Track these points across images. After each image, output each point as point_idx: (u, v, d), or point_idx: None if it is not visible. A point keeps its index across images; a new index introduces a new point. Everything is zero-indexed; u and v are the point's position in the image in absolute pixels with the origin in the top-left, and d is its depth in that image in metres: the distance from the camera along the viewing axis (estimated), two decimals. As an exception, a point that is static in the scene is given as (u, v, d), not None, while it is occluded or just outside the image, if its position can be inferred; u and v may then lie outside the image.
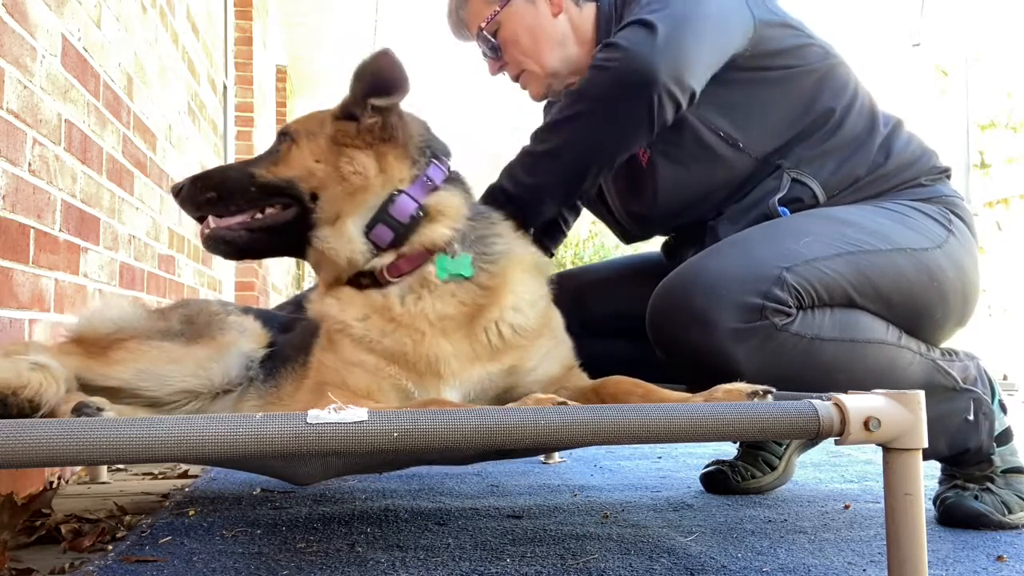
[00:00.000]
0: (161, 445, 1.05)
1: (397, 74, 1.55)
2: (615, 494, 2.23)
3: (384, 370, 1.52)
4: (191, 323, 1.78)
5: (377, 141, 1.57)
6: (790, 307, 1.62)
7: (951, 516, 1.78)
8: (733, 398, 1.29)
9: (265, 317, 1.91)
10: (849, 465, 2.68)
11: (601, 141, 1.74)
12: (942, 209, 1.85)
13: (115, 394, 1.66)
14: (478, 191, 1.81)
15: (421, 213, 1.55)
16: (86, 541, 1.63)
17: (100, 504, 2.02)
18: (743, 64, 1.82)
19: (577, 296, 2.11)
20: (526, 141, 1.85)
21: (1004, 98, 18.18)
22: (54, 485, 2.03)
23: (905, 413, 1.16)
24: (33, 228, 2.05)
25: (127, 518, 1.87)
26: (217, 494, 2.24)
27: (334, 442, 1.07)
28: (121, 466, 2.62)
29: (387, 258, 1.54)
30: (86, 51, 2.47)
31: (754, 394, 1.28)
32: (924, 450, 1.16)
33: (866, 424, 1.15)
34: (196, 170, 4.27)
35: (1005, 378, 6.43)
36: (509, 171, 1.82)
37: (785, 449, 2.28)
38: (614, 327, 2.04)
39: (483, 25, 2.01)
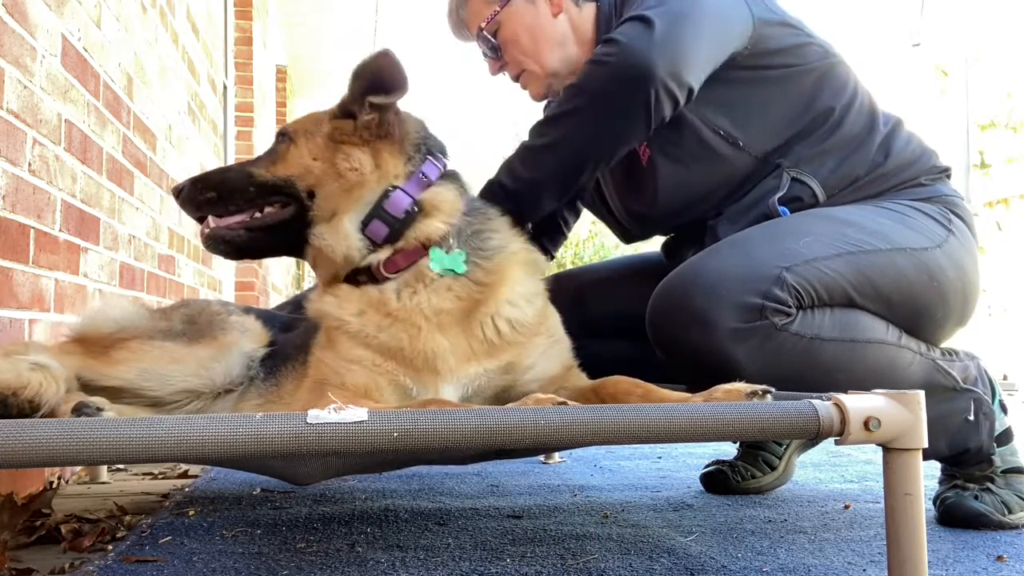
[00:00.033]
0: (161, 445, 1.05)
1: (396, 74, 1.56)
2: (615, 494, 2.23)
3: (381, 366, 1.52)
4: (193, 323, 1.78)
5: (374, 138, 1.59)
6: (790, 307, 1.62)
7: (951, 516, 1.78)
8: (733, 398, 1.29)
9: (266, 317, 1.91)
10: (849, 465, 2.68)
11: (598, 136, 1.74)
12: (942, 209, 1.85)
13: (117, 394, 1.66)
14: (479, 188, 1.82)
15: (416, 208, 1.56)
16: (86, 541, 1.63)
17: (100, 504, 2.02)
18: (742, 63, 1.82)
19: (577, 296, 2.11)
20: (525, 137, 1.85)
21: (1004, 98, 18.19)
22: (54, 485, 2.03)
23: (905, 413, 1.16)
24: (33, 228, 2.05)
25: (127, 518, 1.87)
26: (217, 494, 2.24)
27: (334, 442, 1.07)
28: (121, 466, 2.62)
29: (383, 254, 1.55)
30: (86, 51, 2.47)
31: (753, 394, 1.28)
32: (924, 450, 1.16)
33: (866, 424, 1.15)
34: (196, 170, 4.28)
35: (1005, 378, 6.43)
36: (508, 166, 1.82)
37: (785, 449, 2.29)
38: (614, 327, 2.04)
39: (483, 25, 2.01)
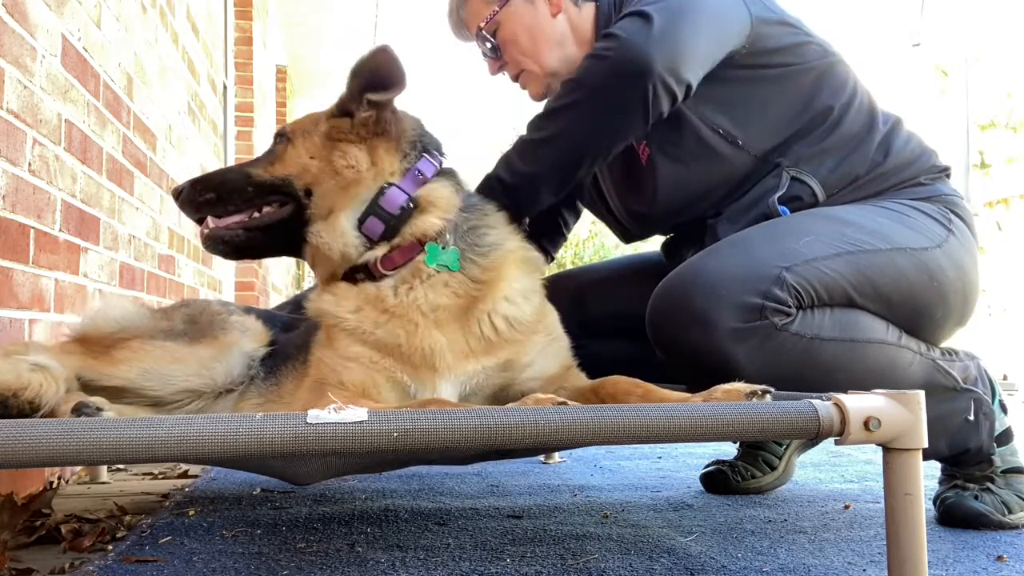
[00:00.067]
0: (161, 445, 1.05)
1: (395, 70, 1.57)
2: (615, 494, 2.23)
3: (379, 363, 1.53)
4: (194, 323, 1.79)
5: (370, 135, 1.60)
6: (790, 307, 1.62)
7: (951, 516, 1.78)
8: (732, 398, 1.29)
9: (266, 317, 1.91)
10: (849, 465, 2.68)
11: (596, 130, 1.74)
12: (942, 208, 1.85)
13: (118, 394, 1.66)
14: (476, 185, 1.82)
15: (412, 205, 1.57)
16: (86, 541, 1.63)
17: (100, 504, 2.02)
18: (740, 62, 1.82)
19: (577, 296, 2.11)
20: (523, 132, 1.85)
21: (1004, 98, 18.18)
22: (54, 485, 2.03)
23: (905, 413, 1.16)
24: (33, 228, 2.05)
25: (127, 518, 1.87)
26: (217, 494, 2.24)
27: (334, 442, 1.07)
28: (121, 466, 2.62)
29: (380, 251, 1.56)
30: (86, 51, 2.47)
31: (753, 394, 1.28)
32: (924, 450, 1.16)
33: (866, 424, 1.15)
34: (196, 170, 4.29)
35: (1005, 378, 6.43)
36: (505, 160, 1.82)
37: (785, 449, 2.28)
38: (614, 327, 2.04)
39: (482, 25, 2.01)
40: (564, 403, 1.23)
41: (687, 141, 1.86)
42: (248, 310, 1.93)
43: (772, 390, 1.29)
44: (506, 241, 1.64)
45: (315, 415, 1.07)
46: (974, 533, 1.72)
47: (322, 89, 10.18)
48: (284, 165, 1.62)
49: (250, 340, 1.79)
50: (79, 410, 1.41)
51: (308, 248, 1.62)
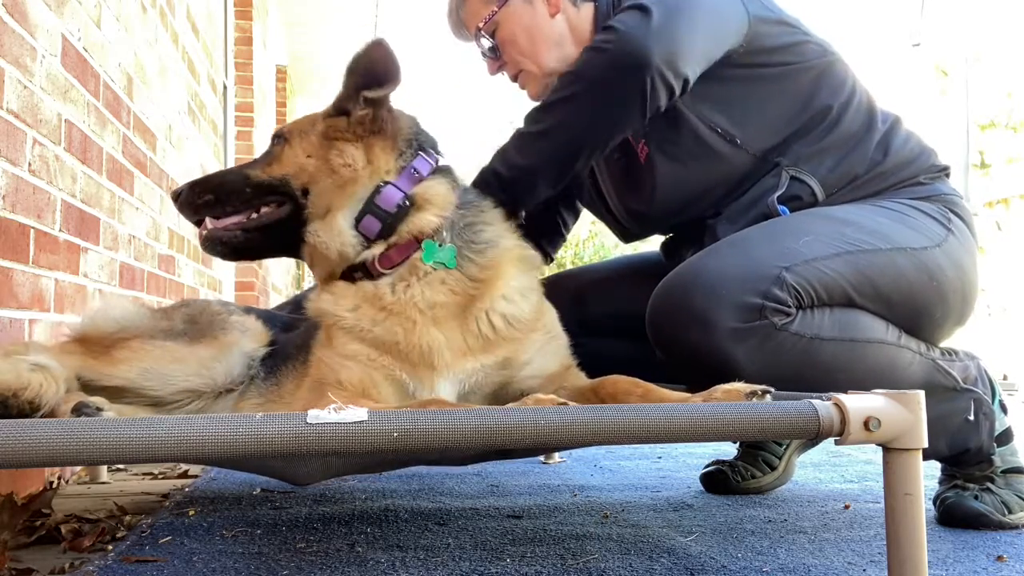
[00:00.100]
0: (161, 445, 1.05)
1: (390, 65, 1.58)
2: (615, 494, 2.23)
3: (377, 361, 1.53)
4: (194, 323, 1.79)
5: (367, 134, 1.60)
6: (789, 307, 1.62)
7: (951, 516, 1.78)
8: (732, 398, 1.29)
9: (266, 317, 1.91)
10: (849, 465, 2.68)
11: (594, 123, 1.74)
12: (941, 208, 1.85)
13: (118, 394, 1.66)
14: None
15: (408, 203, 1.57)
16: (86, 541, 1.63)
17: (100, 504, 2.02)
18: (738, 60, 1.82)
19: (576, 296, 2.11)
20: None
21: (1004, 98, 18.18)
22: (54, 485, 2.03)
23: (905, 413, 1.16)
24: (33, 228, 2.05)
25: (127, 518, 1.87)
26: (217, 494, 2.24)
27: (334, 442, 1.07)
28: (121, 466, 2.62)
29: (377, 249, 1.57)
30: (86, 51, 2.47)
31: (753, 394, 1.28)
32: (924, 450, 1.16)
33: (866, 424, 1.15)
34: (196, 170, 4.29)
35: (1005, 378, 6.42)
36: (502, 153, 1.82)
37: (785, 449, 2.28)
38: (613, 327, 2.04)
39: (481, 25, 2.01)
40: (564, 403, 1.23)
41: (685, 140, 1.86)
42: (248, 310, 1.93)
43: (772, 390, 1.29)
44: (503, 238, 1.64)
45: (315, 415, 1.07)
46: (974, 533, 1.72)
47: (322, 89, 10.18)
48: (281, 165, 1.63)
49: (250, 340, 1.80)
50: (79, 410, 1.41)
51: (306, 248, 1.62)
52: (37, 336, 2.08)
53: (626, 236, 2.18)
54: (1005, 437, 1.87)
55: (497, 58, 2.06)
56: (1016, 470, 1.84)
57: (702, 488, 2.29)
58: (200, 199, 1.65)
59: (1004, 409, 1.90)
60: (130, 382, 1.67)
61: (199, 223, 1.67)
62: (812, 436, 1.17)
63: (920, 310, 1.77)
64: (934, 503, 1.85)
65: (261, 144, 6.24)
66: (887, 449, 1.16)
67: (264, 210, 1.63)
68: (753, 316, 1.60)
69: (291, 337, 1.84)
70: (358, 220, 1.57)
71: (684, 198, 1.93)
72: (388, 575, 1.45)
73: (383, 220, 1.56)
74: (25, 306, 2.02)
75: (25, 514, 1.74)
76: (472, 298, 1.56)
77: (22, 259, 1.99)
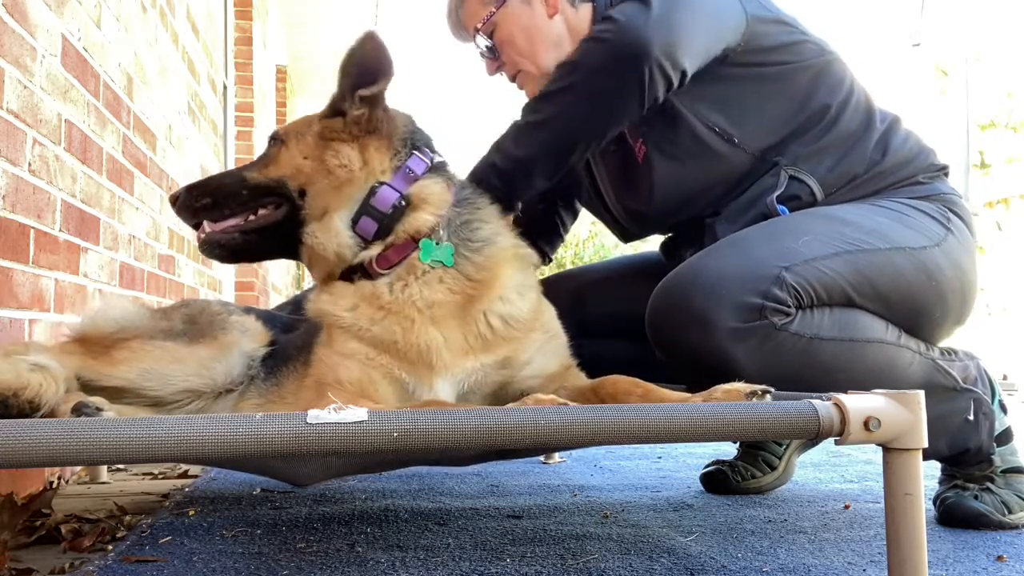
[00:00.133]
0: (161, 445, 1.05)
1: (383, 58, 1.58)
2: (615, 494, 2.23)
3: (375, 360, 1.53)
4: (193, 323, 1.79)
5: (363, 134, 1.60)
6: (789, 307, 1.62)
7: (951, 516, 1.78)
8: (732, 398, 1.29)
9: (267, 317, 1.91)
10: (849, 465, 2.68)
11: (592, 113, 1.74)
12: (940, 207, 1.85)
13: (118, 394, 1.66)
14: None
15: (404, 203, 1.57)
16: (86, 541, 1.63)
17: (100, 504, 2.02)
18: (735, 60, 1.82)
19: (576, 296, 2.11)
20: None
21: (1004, 98, 18.19)
22: (54, 485, 2.03)
23: (905, 413, 1.16)
24: (33, 228, 2.05)
25: (127, 518, 1.87)
26: (217, 494, 2.24)
27: (334, 442, 1.07)
28: (121, 466, 2.62)
29: (374, 250, 1.57)
30: (86, 51, 2.47)
31: (753, 394, 1.28)
32: (924, 450, 1.16)
33: (866, 424, 1.15)
34: (196, 170, 4.29)
35: (1005, 378, 6.42)
36: (499, 145, 1.82)
37: (785, 449, 2.28)
38: (613, 327, 2.04)
39: (479, 26, 2.01)
40: (565, 404, 1.23)
41: (683, 139, 1.86)
42: (248, 310, 1.93)
43: (772, 390, 1.29)
44: (499, 236, 1.64)
45: (315, 415, 1.07)
46: (974, 533, 1.72)
47: (322, 89, 10.17)
48: (278, 167, 1.63)
49: (250, 340, 1.79)
50: (79, 410, 1.40)
51: (304, 249, 1.62)
52: (37, 336, 2.08)
53: (625, 236, 2.18)
54: (1005, 437, 1.87)
55: (496, 58, 2.06)
56: (1016, 470, 1.84)
57: (702, 488, 2.29)
58: (198, 202, 1.66)
59: (1004, 409, 1.90)
60: (130, 382, 1.67)
61: (197, 226, 1.67)
62: (812, 436, 1.17)
63: (919, 310, 1.77)
64: (934, 503, 1.85)
65: (261, 144, 6.24)
66: (887, 449, 1.16)
67: (262, 212, 1.63)
68: (753, 316, 1.60)
69: (291, 338, 1.84)
70: (355, 221, 1.57)
71: (682, 197, 1.93)
72: (388, 575, 1.45)
73: (379, 221, 1.56)
74: (25, 306, 2.02)
75: (25, 514, 1.74)
76: (471, 298, 1.56)
77: (22, 259, 1.99)
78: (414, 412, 1.14)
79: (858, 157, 1.87)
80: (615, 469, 2.67)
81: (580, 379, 1.63)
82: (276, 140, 1.68)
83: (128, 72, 2.96)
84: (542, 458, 2.79)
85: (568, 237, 2.46)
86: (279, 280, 8.11)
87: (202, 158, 4.53)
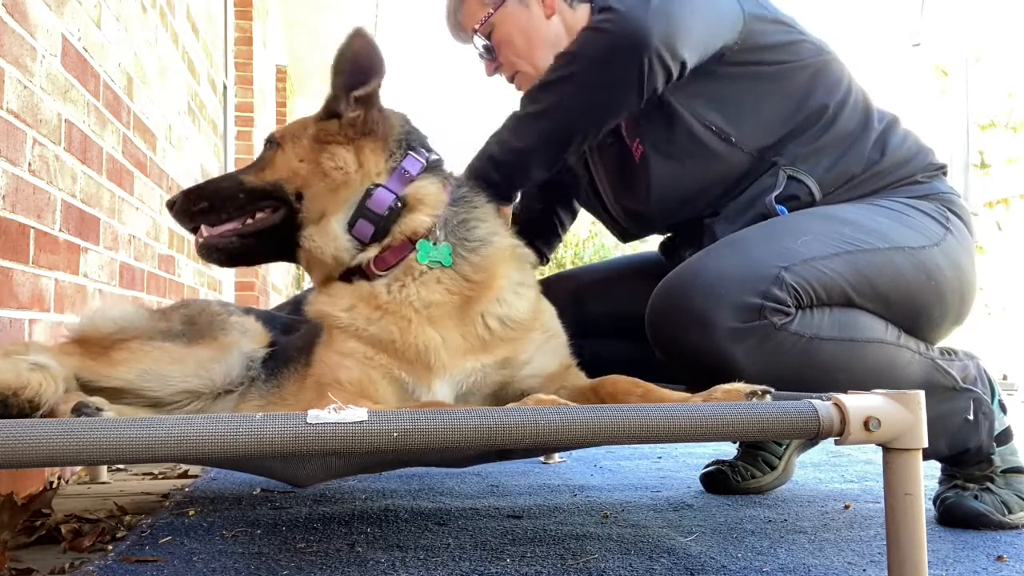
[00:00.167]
0: (161, 445, 1.05)
1: (374, 56, 1.58)
2: (615, 494, 2.23)
3: (374, 359, 1.53)
4: (193, 324, 1.78)
5: (358, 136, 1.60)
6: (789, 307, 1.62)
7: (951, 516, 1.78)
8: (732, 398, 1.29)
9: (267, 318, 1.91)
10: (849, 465, 2.68)
11: (590, 103, 1.74)
12: (939, 207, 1.85)
13: (117, 394, 1.66)
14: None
15: (400, 204, 1.57)
16: (86, 541, 1.63)
17: (100, 504, 2.02)
18: (733, 58, 1.82)
19: (576, 296, 2.11)
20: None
21: (1004, 98, 18.18)
22: (54, 485, 2.03)
23: (905, 413, 1.16)
24: (33, 228, 2.05)
25: (127, 518, 1.87)
26: (217, 494, 2.24)
27: (334, 442, 1.07)
28: (121, 466, 2.62)
29: (372, 252, 1.57)
30: (86, 51, 2.47)
31: (753, 394, 1.28)
32: (924, 450, 1.16)
33: (866, 424, 1.15)
34: (196, 170, 4.28)
35: (1005, 378, 6.42)
36: (497, 136, 1.82)
37: (785, 449, 2.28)
38: (613, 327, 2.04)
39: (477, 27, 2.02)
40: (566, 404, 1.23)
41: (680, 138, 1.86)
42: (248, 311, 1.93)
43: (772, 390, 1.29)
44: (496, 235, 1.64)
45: (315, 415, 1.07)
46: (974, 533, 1.72)
47: (322, 89, 10.10)
48: (274, 170, 1.63)
49: (249, 341, 1.79)
50: (79, 410, 1.40)
51: (302, 252, 1.62)
52: (37, 336, 2.08)
53: (624, 236, 2.18)
54: (1004, 437, 1.87)
55: (494, 59, 2.06)
56: (1016, 470, 1.84)
57: (702, 488, 2.29)
58: (195, 207, 1.66)
59: (1003, 409, 1.90)
60: (129, 383, 1.67)
61: (195, 231, 1.67)
62: (812, 436, 1.17)
63: (918, 309, 1.77)
64: (934, 503, 1.85)
65: (261, 144, 6.24)
66: (887, 449, 1.16)
67: (259, 216, 1.63)
68: (752, 316, 1.60)
69: (292, 339, 1.84)
70: (351, 224, 1.57)
71: (680, 197, 1.93)
72: (388, 575, 1.45)
73: (375, 223, 1.56)
74: (25, 306, 2.02)
75: (25, 514, 1.74)
76: (469, 299, 1.56)
77: (22, 259, 1.99)
78: (414, 412, 1.14)
79: (856, 157, 1.87)
80: (615, 469, 2.67)
81: (580, 379, 1.63)
82: (272, 143, 1.67)
83: (128, 72, 2.96)
84: (542, 458, 2.79)
85: (568, 237, 2.46)
86: (279, 280, 8.11)
87: (202, 158, 4.53)
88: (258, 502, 2.12)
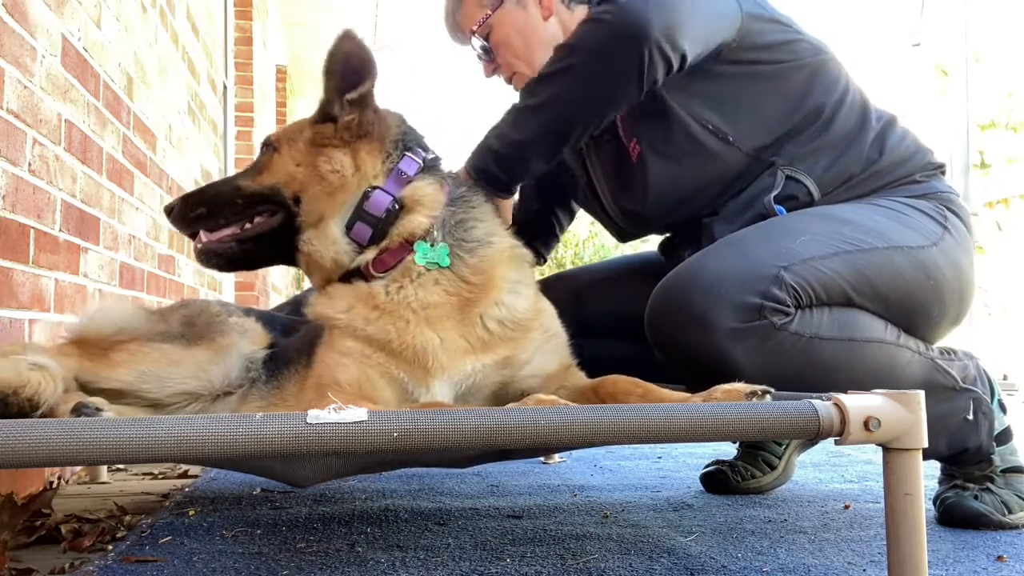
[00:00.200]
0: (161, 445, 1.05)
1: (364, 57, 1.58)
2: (615, 494, 2.23)
3: (372, 358, 1.53)
4: (191, 325, 1.78)
5: (354, 138, 1.60)
6: (788, 306, 1.62)
7: (951, 516, 1.78)
8: (732, 398, 1.29)
9: (267, 318, 1.91)
10: (849, 465, 2.68)
11: (590, 94, 1.73)
12: (937, 206, 1.85)
13: (116, 396, 1.66)
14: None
15: (397, 206, 1.57)
16: (86, 541, 1.63)
17: (100, 504, 2.02)
18: (730, 56, 1.81)
19: (576, 296, 2.11)
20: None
21: (1004, 98, 18.19)
22: (54, 485, 2.03)
23: (905, 413, 1.16)
24: (33, 228, 2.05)
25: (127, 518, 1.87)
26: (217, 494, 2.24)
27: (334, 442, 1.07)
28: (121, 466, 2.62)
29: (370, 254, 1.57)
30: (86, 51, 2.47)
31: (753, 394, 1.28)
32: (924, 450, 1.16)
33: (866, 424, 1.15)
34: (196, 170, 4.28)
35: (1005, 378, 6.42)
36: (497, 130, 1.81)
37: (785, 449, 2.28)
38: (613, 327, 2.04)
39: (475, 28, 2.02)
40: (566, 405, 1.23)
41: (677, 137, 1.85)
42: (248, 311, 1.93)
43: (772, 390, 1.29)
44: (494, 235, 1.63)
45: (315, 415, 1.07)
46: (974, 533, 1.72)
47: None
48: (272, 174, 1.63)
49: (249, 342, 1.79)
50: (79, 410, 1.40)
51: (301, 257, 1.62)
52: (37, 337, 2.08)
53: (622, 236, 2.18)
54: (1004, 436, 1.87)
55: (492, 61, 2.06)
56: (1016, 469, 1.84)
57: (702, 488, 2.29)
58: (193, 212, 1.66)
59: (1003, 408, 1.90)
60: (128, 385, 1.67)
61: (193, 236, 1.67)
62: (812, 436, 1.17)
63: (917, 309, 1.77)
64: (934, 503, 1.85)
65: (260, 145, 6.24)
66: (887, 449, 1.16)
67: (257, 220, 1.63)
68: (752, 316, 1.60)
69: (291, 340, 1.84)
70: (349, 227, 1.57)
71: (677, 197, 1.93)
72: (388, 575, 1.45)
73: (373, 226, 1.56)
74: (25, 306, 2.02)
75: (25, 514, 1.74)
76: (468, 300, 1.56)
77: (22, 259, 1.99)
78: (414, 412, 1.14)
79: (854, 156, 1.86)
80: (615, 469, 2.67)
81: (580, 379, 1.63)
82: (268, 147, 1.67)
83: (128, 72, 2.96)
84: (542, 458, 2.79)
85: (568, 237, 2.47)
86: (279, 280, 8.11)
87: (202, 158, 4.53)
88: (258, 502, 2.12)
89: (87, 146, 2.48)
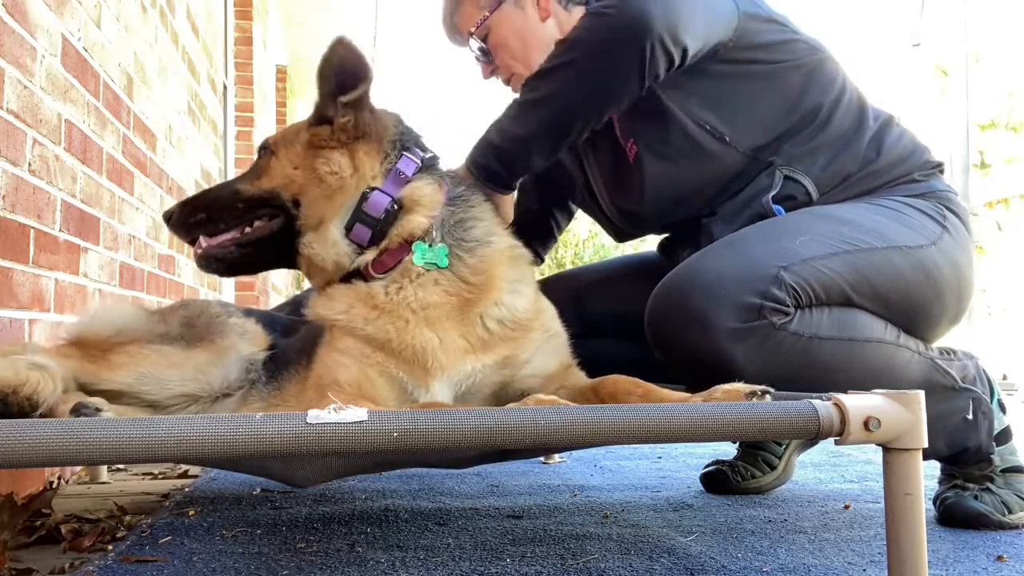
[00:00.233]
0: (161, 445, 1.05)
1: (358, 63, 1.57)
2: (615, 494, 2.23)
3: (371, 357, 1.53)
4: (191, 326, 1.78)
5: (351, 139, 1.60)
6: (788, 306, 1.62)
7: (951, 516, 1.79)
8: (732, 398, 1.29)
9: (267, 319, 1.91)
10: (849, 465, 2.68)
11: (592, 89, 1.72)
12: (936, 205, 1.85)
13: (115, 397, 1.66)
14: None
15: (396, 207, 1.57)
16: (86, 541, 1.63)
17: (100, 504, 2.02)
18: (726, 56, 1.81)
19: (576, 296, 2.11)
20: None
21: (1004, 98, 18.18)
22: (54, 485, 2.03)
23: (905, 413, 1.16)
24: (33, 228, 2.05)
25: (127, 518, 1.87)
26: (217, 494, 2.24)
27: (334, 442, 1.07)
28: (121, 466, 2.62)
29: (370, 255, 1.57)
30: (86, 51, 2.47)
31: (753, 394, 1.28)
32: (923, 450, 1.16)
33: (866, 424, 1.15)
34: (196, 170, 4.28)
35: (1005, 378, 6.42)
36: (498, 125, 1.81)
37: (785, 449, 2.29)
38: (613, 327, 2.04)
39: (473, 30, 2.02)
40: (566, 405, 1.23)
41: (674, 138, 1.85)
42: (248, 312, 1.92)
43: (772, 390, 1.29)
44: (493, 235, 1.63)
45: (315, 415, 1.07)
46: (974, 533, 1.72)
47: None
48: (270, 177, 1.63)
49: (248, 344, 1.79)
50: (78, 410, 1.41)
51: (302, 259, 1.62)
52: (37, 337, 2.08)
53: (619, 236, 2.18)
54: (1004, 436, 1.87)
55: (490, 62, 2.07)
56: (1015, 469, 1.84)
57: (702, 488, 2.29)
58: (192, 218, 1.66)
59: (1003, 408, 1.90)
60: (127, 386, 1.67)
61: (193, 242, 1.67)
62: (812, 436, 1.17)
63: (916, 308, 1.77)
64: (934, 503, 1.85)
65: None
66: (887, 449, 1.16)
67: (257, 224, 1.64)
68: (752, 316, 1.60)
69: (291, 341, 1.84)
70: (348, 228, 1.57)
71: (674, 197, 1.93)
72: (388, 575, 1.45)
73: (372, 227, 1.56)
74: (25, 306, 2.02)
75: (25, 514, 1.74)
76: (467, 301, 1.56)
77: (22, 259, 1.99)
78: (414, 412, 1.14)
79: (852, 156, 1.86)
80: (615, 469, 2.67)
81: (580, 379, 1.63)
82: (266, 150, 1.67)
83: (128, 72, 2.96)
84: (542, 458, 2.79)
85: (568, 237, 2.48)
86: (279, 280, 8.11)
87: (202, 158, 4.53)
88: (258, 502, 2.12)
89: (87, 146, 2.48)
